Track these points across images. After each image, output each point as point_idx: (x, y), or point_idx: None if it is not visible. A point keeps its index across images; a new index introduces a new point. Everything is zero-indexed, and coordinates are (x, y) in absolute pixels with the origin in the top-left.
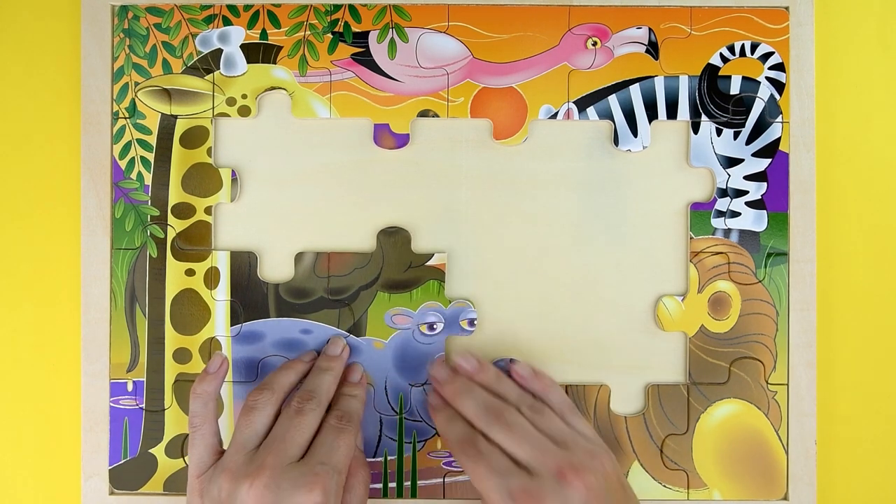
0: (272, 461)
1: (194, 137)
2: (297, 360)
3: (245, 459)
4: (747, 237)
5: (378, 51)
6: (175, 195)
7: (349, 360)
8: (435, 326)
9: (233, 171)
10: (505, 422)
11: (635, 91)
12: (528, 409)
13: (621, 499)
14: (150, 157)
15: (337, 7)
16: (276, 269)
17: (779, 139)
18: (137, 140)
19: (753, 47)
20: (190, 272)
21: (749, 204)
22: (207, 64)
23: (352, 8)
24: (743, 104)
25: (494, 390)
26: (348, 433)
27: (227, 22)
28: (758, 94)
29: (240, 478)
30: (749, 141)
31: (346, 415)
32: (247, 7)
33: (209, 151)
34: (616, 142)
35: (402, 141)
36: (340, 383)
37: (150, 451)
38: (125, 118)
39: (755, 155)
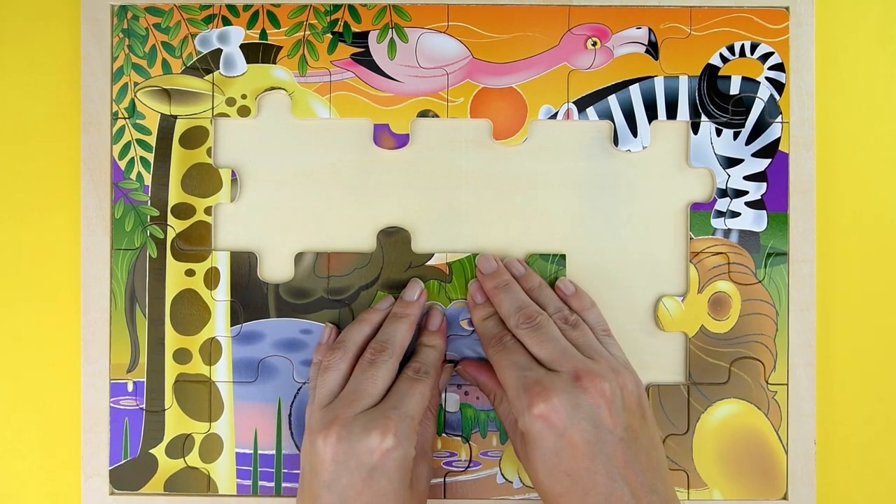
0: (344, 412)
1: (194, 138)
2: (371, 309)
3: (323, 414)
4: (747, 237)
5: (378, 51)
6: (175, 195)
7: (428, 302)
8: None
9: (232, 171)
10: (534, 324)
11: (635, 91)
12: (563, 321)
13: (637, 418)
14: (150, 157)
15: (336, 7)
16: (276, 269)
17: (778, 139)
18: (137, 140)
19: (753, 47)
20: (190, 272)
21: (749, 204)
22: (207, 64)
23: (351, 8)
24: (742, 104)
25: (535, 296)
26: (423, 383)
27: (226, 22)
28: (757, 95)
29: (316, 432)
30: (749, 141)
31: (424, 366)
32: (246, 7)
33: (209, 152)
34: (616, 142)
35: (401, 141)
36: (420, 331)
37: (150, 451)
38: (125, 118)
39: (755, 155)
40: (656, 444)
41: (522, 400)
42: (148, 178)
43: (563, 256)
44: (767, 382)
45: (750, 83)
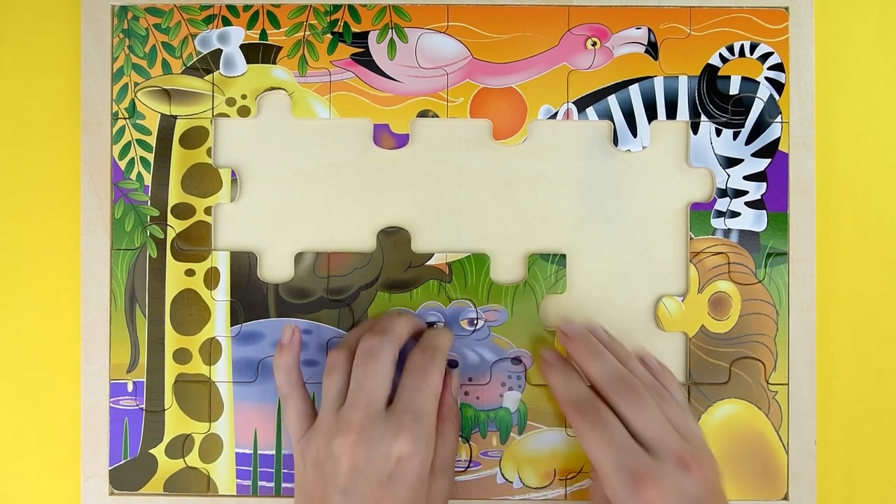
0: (358, 416)
1: (194, 138)
2: (375, 317)
3: (335, 419)
4: (747, 237)
5: (377, 51)
6: (175, 195)
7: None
8: (435, 326)
9: (232, 171)
10: (637, 396)
11: (635, 91)
12: (655, 393)
13: (724, 502)
14: (150, 157)
15: (336, 7)
16: (275, 269)
17: (778, 139)
18: (137, 140)
19: (753, 47)
20: (190, 272)
21: (749, 204)
22: (207, 64)
23: (351, 8)
24: (742, 104)
25: (624, 364)
26: (432, 372)
27: (226, 22)
28: (757, 95)
29: (332, 436)
30: (748, 141)
31: (431, 348)
32: (246, 7)
33: (209, 152)
34: (616, 142)
35: (401, 141)
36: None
37: (150, 451)
38: (125, 118)
39: (755, 155)
40: None
41: (626, 484)
42: (148, 178)
43: (563, 256)
44: (768, 382)
45: (749, 83)
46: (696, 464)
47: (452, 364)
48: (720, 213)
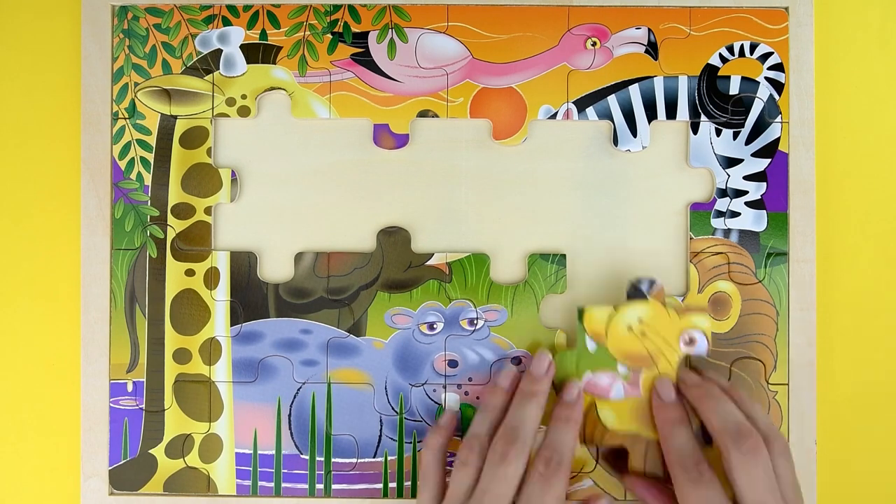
0: None
1: (194, 138)
2: (495, 390)
3: None
4: (747, 237)
5: (377, 51)
6: (175, 195)
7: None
8: (435, 326)
9: (232, 171)
10: (753, 449)
11: (634, 91)
12: (777, 445)
13: None
14: (150, 157)
15: (336, 7)
16: (275, 269)
17: (778, 139)
18: (137, 140)
19: (752, 47)
20: (190, 272)
21: (749, 204)
22: (207, 64)
23: (351, 8)
24: (742, 104)
25: (745, 411)
26: (557, 483)
27: (226, 22)
28: (757, 95)
29: None
30: (748, 141)
31: (556, 456)
32: (246, 7)
33: (209, 152)
34: (615, 142)
35: (401, 141)
36: (551, 402)
37: (150, 451)
38: (125, 118)
39: (755, 155)
40: None
41: None
42: (148, 178)
43: (563, 256)
44: (768, 382)
45: (749, 83)
46: None
47: (452, 364)
48: (720, 213)
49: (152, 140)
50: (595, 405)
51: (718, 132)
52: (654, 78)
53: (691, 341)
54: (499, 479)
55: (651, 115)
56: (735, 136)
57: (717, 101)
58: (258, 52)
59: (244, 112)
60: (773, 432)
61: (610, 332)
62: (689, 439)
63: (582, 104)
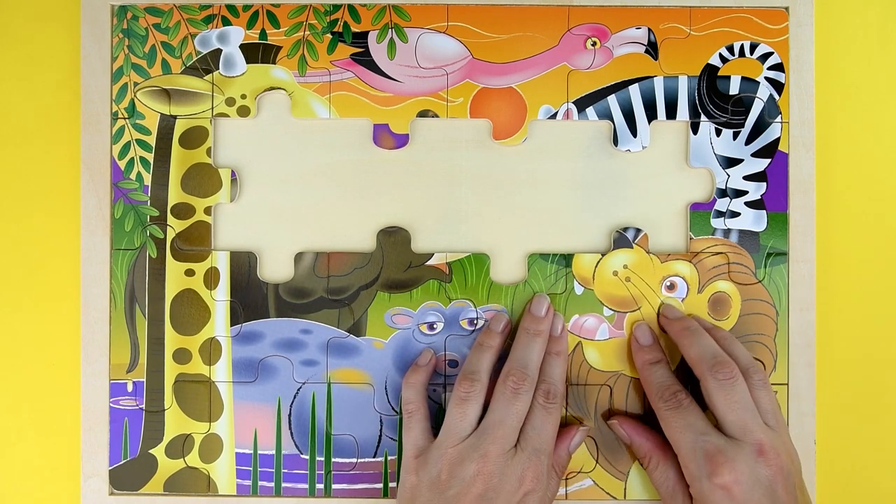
0: (495, 449)
1: (194, 138)
2: (489, 332)
3: (468, 445)
4: (747, 237)
5: (377, 51)
6: (174, 195)
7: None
8: (435, 326)
9: (232, 171)
10: (731, 379)
11: (634, 91)
12: (759, 379)
13: (802, 497)
14: (150, 157)
15: (336, 7)
16: (275, 269)
17: (778, 139)
18: (137, 140)
19: (752, 47)
20: (190, 272)
21: (748, 204)
22: (207, 64)
23: (351, 8)
24: (742, 104)
25: (726, 346)
26: (556, 413)
27: (226, 22)
28: (757, 95)
29: (465, 462)
30: (748, 141)
31: (553, 388)
32: (246, 7)
33: (208, 152)
34: (615, 142)
35: (401, 141)
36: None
37: (150, 451)
38: (124, 118)
39: (754, 155)
40: None
41: (702, 467)
42: (148, 178)
43: (563, 256)
44: None
45: (749, 83)
46: (773, 452)
47: (452, 364)
48: (720, 213)
49: (152, 140)
50: (581, 345)
51: (718, 132)
52: (654, 78)
53: (672, 286)
54: (512, 413)
55: (651, 115)
56: (735, 136)
57: (717, 101)
58: (258, 52)
59: (244, 112)
60: (752, 366)
61: (597, 277)
62: (666, 374)
63: (582, 104)
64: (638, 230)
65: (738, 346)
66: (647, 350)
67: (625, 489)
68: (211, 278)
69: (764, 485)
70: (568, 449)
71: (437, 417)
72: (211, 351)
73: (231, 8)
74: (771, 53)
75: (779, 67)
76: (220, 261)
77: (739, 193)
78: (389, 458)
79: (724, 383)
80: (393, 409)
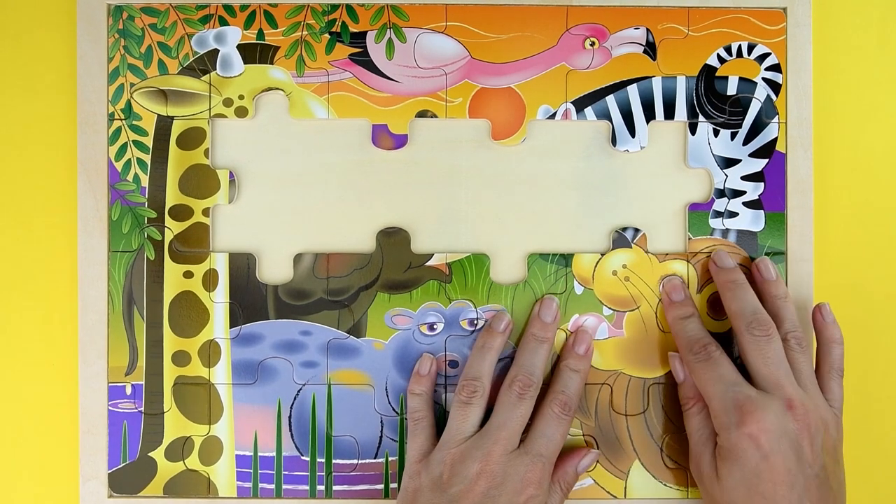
0: (499, 449)
1: (191, 139)
2: (490, 332)
3: (470, 445)
4: (745, 237)
5: (376, 51)
6: (172, 197)
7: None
8: (435, 326)
9: (230, 172)
10: (766, 334)
11: (633, 91)
12: (796, 341)
13: (832, 460)
14: (147, 158)
15: (334, 7)
16: (275, 270)
17: (775, 139)
18: (133, 142)
19: (750, 48)
20: (188, 274)
21: (746, 204)
22: (204, 64)
23: (349, 8)
24: (740, 105)
25: (777, 306)
26: (567, 425)
27: (223, 22)
28: (754, 95)
29: (467, 461)
30: (746, 141)
31: (569, 402)
32: (243, 7)
33: (206, 153)
34: (614, 142)
35: (400, 141)
36: (564, 350)
37: (149, 454)
38: (121, 119)
39: (752, 155)
40: (843, 491)
41: (731, 416)
42: (145, 180)
43: (562, 256)
44: None
45: (747, 83)
46: (802, 409)
47: (452, 364)
48: (718, 214)
49: (149, 141)
50: None
51: (716, 132)
52: (653, 78)
53: None
54: (516, 417)
55: (649, 115)
56: (733, 136)
57: (714, 101)
58: (255, 53)
59: (242, 113)
60: (794, 329)
61: (596, 277)
62: (698, 327)
63: (580, 104)
64: (637, 230)
65: (790, 308)
66: (679, 305)
67: (625, 488)
68: (210, 280)
69: (791, 437)
70: (576, 468)
71: (439, 419)
72: (210, 353)
73: (228, 8)
74: (768, 54)
75: (776, 68)
76: (219, 262)
77: (737, 193)
78: (390, 459)
79: (758, 339)
80: (393, 410)
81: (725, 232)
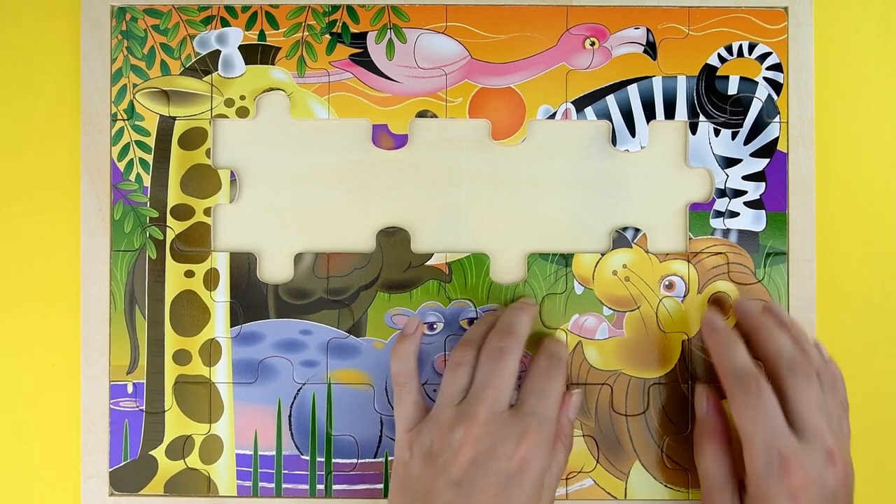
0: (484, 410)
1: (193, 139)
2: (491, 312)
3: (457, 411)
4: (746, 237)
5: (376, 51)
6: (174, 197)
7: None
8: (435, 326)
9: (231, 172)
10: (809, 377)
11: (633, 91)
12: (827, 379)
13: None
14: (149, 158)
15: (335, 8)
16: (275, 269)
17: (776, 139)
18: (136, 142)
19: (751, 48)
20: (189, 273)
21: (748, 204)
22: (206, 65)
23: (350, 9)
24: (741, 104)
25: (800, 345)
26: (558, 378)
27: (224, 23)
28: (755, 95)
29: (454, 427)
30: (747, 141)
31: (557, 350)
32: (245, 8)
33: (208, 153)
34: (614, 142)
35: (400, 141)
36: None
37: (150, 452)
38: (123, 120)
39: (753, 155)
40: None
41: (773, 466)
42: (147, 180)
43: (562, 256)
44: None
45: (748, 83)
46: (841, 461)
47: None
48: (719, 214)
49: (151, 141)
50: (581, 344)
51: (717, 132)
52: (653, 78)
53: (670, 286)
54: (497, 371)
55: (650, 115)
56: (734, 136)
57: (715, 101)
58: (256, 53)
59: (243, 113)
60: (822, 368)
61: (596, 277)
62: (746, 358)
63: (580, 104)
64: (637, 230)
65: (811, 346)
66: (724, 333)
67: (625, 489)
68: (211, 279)
69: (828, 492)
70: (568, 417)
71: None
72: (211, 352)
73: (230, 9)
74: (769, 53)
75: (777, 67)
76: (220, 262)
77: (738, 193)
78: (390, 458)
79: (803, 382)
80: (393, 409)
81: (726, 232)
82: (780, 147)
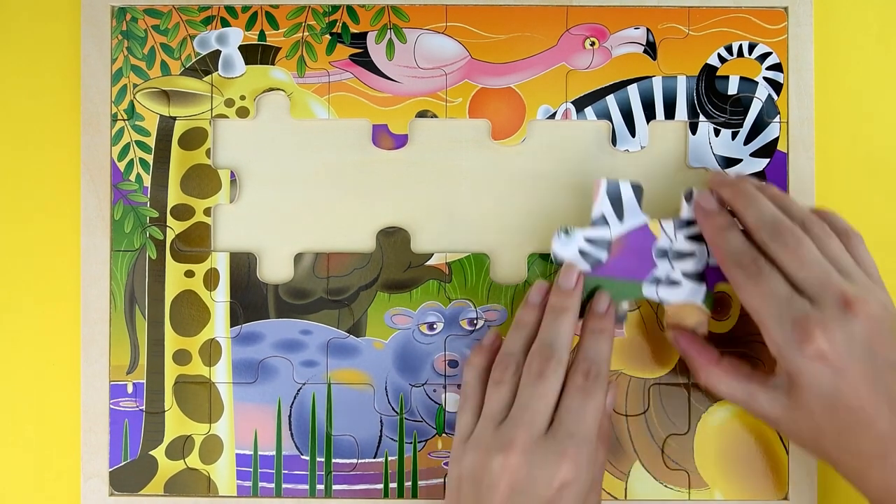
0: (521, 435)
1: (193, 139)
2: (526, 307)
3: (496, 436)
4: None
5: (376, 51)
6: (174, 197)
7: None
8: (435, 326)
9: (232, 172)
10: (791, 238)
11: (633, 91)
12: (815, 229)
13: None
14: (149, 158)
15: (335, 8)
16: (275, 269)
17: (776, 139)
18: (136, 142)
19: (751, 48)
20: (189, 273)
21: None
22: (206, 65)
23: (350, 9)
24: (741, 104)
25: (779, 204)
26: (596, 394)
27: (225, 23)
28: (755, 95)
29: (491, 452)
30: (747, 141)
31: (594, 367)
32: (245, 8)
33: (208, 153)
34: (614, 142)
35: (400, 141)
36: (584, 315)
37: (150, 452)
38: (124, 120)
39: (753, 155)
40: None
41: (790, 336)
42: (147, 180)
43: None
44: None
45: (748, 83)
46: (860, 302)
47: (452, 364)
48: None
49: (151, 141)
50: None
51: (717, 132)
52: (653, 78)
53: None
54: (537, 396)
55: (650, 115)
56: (734, 136)
57: (715, 101)
58: (257, 53)
59: (243, 113)
60: (809, 219)
61: None
62: (741, 240)
63: (580, 104)
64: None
65: (790, 200)
66: (716, 216)
67: (625, 489)
68: (211, 279)
69: (858, 339)
70: (608, 416)
71: (436, 418)
72: (211, 352)
73: (230, 9)
74: (769, 53)
75: (777, 67)
76: (220, 262)
77: None
78: (390, 458)
79: (788, 245)
80: (393, 409)
81: None
82: (780, 147)
